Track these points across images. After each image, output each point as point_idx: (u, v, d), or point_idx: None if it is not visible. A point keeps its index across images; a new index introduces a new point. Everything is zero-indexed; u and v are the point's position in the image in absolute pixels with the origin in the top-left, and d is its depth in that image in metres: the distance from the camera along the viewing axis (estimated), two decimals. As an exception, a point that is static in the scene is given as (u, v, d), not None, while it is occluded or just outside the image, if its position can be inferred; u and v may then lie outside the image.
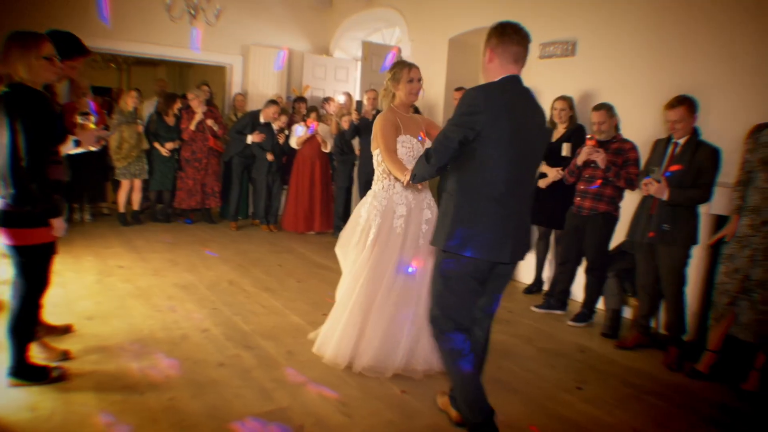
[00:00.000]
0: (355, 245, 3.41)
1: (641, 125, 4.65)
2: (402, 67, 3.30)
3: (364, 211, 3.41)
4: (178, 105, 7.18)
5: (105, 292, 4.44)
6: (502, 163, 2.43)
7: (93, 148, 3.24)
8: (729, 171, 3.76)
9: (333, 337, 3.39)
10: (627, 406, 3.17)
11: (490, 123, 2.38)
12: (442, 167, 2.56)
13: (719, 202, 3.93)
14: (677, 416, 3.12)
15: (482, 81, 2.58)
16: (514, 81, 2.49)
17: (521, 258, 2.62)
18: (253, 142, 7.07)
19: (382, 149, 3.23)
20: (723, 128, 3.99)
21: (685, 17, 4.44)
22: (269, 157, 7.10)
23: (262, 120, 7.19)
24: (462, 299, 2.57)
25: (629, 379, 3.55)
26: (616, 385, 3.44)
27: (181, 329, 3.78)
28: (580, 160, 4.29)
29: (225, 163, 7.50)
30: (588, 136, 4.26)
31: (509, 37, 2.48)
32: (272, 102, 7.29)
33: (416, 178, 2.73)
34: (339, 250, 3.55)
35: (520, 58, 2.50)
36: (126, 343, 3.49)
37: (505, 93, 2.44)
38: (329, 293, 4.28)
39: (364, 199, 3.48)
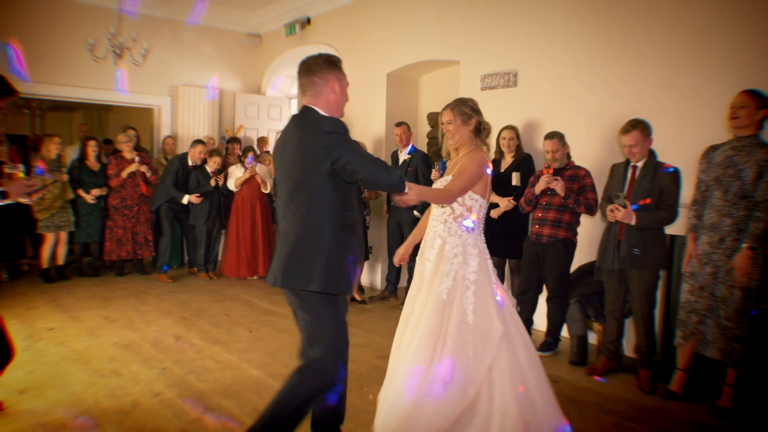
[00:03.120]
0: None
1: (585, 151, 4.74)
2: None
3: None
4: (93, 148, 6.72)
5: (36, 359, 3.97)
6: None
7: (23, 201, 2.89)
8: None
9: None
10: (613, 436, 3.10)
11: None
12: None
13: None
14: (664, 441, 3.07)
15: (330, 112, 2.54)
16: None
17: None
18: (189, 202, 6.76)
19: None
20: (667, 151, 4.09)
21: (623, 45, 4.61)
22: (193, 199, 6.74)
23: (190, 162, 6.87)
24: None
25: (608, 407, 3.50)
26: (597, 415, 3.36)
27: (130, 395, 3.40)
28: (538, 188, 4.30)
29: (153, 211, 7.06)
30: (545, 165, 4.28)
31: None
32: (198, 142, 6.98)
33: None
34: None
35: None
36: (68, 417, 3.08)
37: None
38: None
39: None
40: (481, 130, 3.02)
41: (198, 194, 6.72)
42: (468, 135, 3.00)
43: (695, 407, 3.53)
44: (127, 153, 6.77)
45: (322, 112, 2.49)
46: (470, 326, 2.69)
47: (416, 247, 3.16)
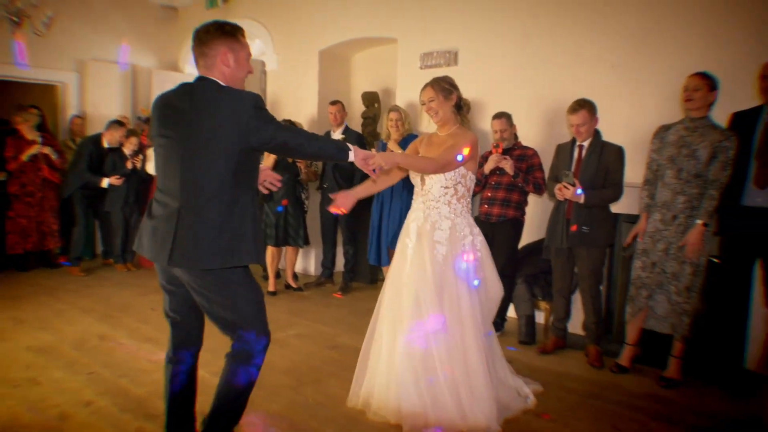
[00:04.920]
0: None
1: (527, 132, 4.72)
2: None
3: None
4: None
5: (-65, 371, 3.44)
6: None
7: None
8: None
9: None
10: (579, 415, 3.09)
11: None
12: None
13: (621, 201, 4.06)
14: (624, 416, 3.09)
15: (229, 83, 2.29)
16: None
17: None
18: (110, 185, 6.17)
19: None
20: (608, 132, 4.12)
21: (564, 25, 4.61)
22: (114, 181, 6.16)
23: (106, 145, 6.28)
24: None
25: (566, 385, 3.50)
26: (559, 394, 3.35)
27: (56, 406, 2.99)
28: (487, 168, 4.23)
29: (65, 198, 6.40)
30: (494, 144, 4.21)
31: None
32: (116, 122, 6.40)
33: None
34: None
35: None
36: (-16, 437, 2.66)
37: None
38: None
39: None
40: (461, 105, 3.06)
41: (118, 176, 6.15)
42: (451, 111, 3.03)
43: (644, 379, 3.61)
44: (28, 134, 6.07)
45: (225, 85, 2.25)
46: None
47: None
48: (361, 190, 3.08)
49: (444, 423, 2.76)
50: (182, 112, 2.21)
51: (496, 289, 3.15)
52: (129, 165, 6.27)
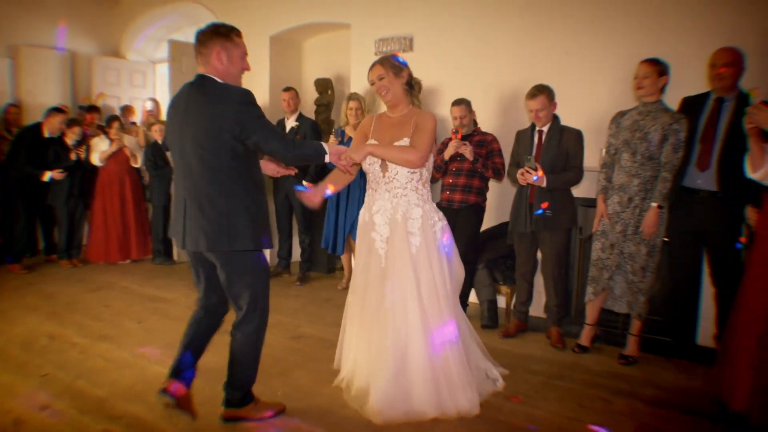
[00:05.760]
0: None
1: (484, 117, 4.75)
2: None
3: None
4: None
5: None
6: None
7: None
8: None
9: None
10: (546, 395, 3.16)
11: None
12: None
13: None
14: (589, 394, 3.18)
15: (225, 79, 2.56)
16: None
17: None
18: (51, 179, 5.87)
19: None
20: (565, 118, 4.19)
21: (519, 12, 4.65)
22: (56, 175, 5.87)
23: (46, 134, 5.96)
24: None
25: (531, 367, 3.57)
26: (525, 377, 3.41)
27: (10, 412, 2.83)
28: (447, 154, 4.24)
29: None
30: (453, 130, 4.22)
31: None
32: (55, 110, 6.06)
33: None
34: None
35: None
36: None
37: None
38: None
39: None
40: (412, 84, 2.94)
41: (60, 169, 5.85)
42: (402, 89, 2.90)
43: (604, 358, 3.73)
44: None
45: (221, 81, 2.51)
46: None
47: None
48: (330, 186, 2.99)
49: (425, 409, 2.76)
50: (180, 109, 2.51)
51: (460, 271, 3.12)
52: (72, 156, 5.97)
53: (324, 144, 2.65)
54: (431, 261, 2.87)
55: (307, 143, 2.77)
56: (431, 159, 2.94)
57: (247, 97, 2.46)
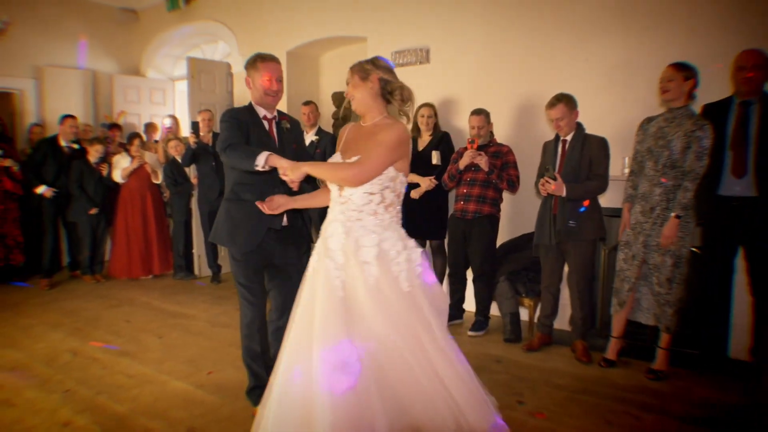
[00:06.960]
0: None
1: (501, 129, 4.70)
2: None
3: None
4: None
5: None
6: None
7: None
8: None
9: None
10: (570, 411, 3.08)
11: None
12: None
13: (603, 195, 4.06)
14: (616, 410, 3.09)
15: (258, 103, 2.94)
16: None
17: None
18: (43, 195, 5.93)
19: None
20: (590, 126, 4.13)
21: (536, 21, 4.60)
22: (47, 193, 5.90)
23: (63, 143, 6.04)
24: None
25: (555, 381, 3.49)
26: (550, 392, 3.33)
27: (32, 429, 2.84)
28: (462, 163, 4.20)
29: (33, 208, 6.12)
30: (469, 140, 4.19)
31: None
32: (67, 116, 6.12)
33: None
34: None
35: None
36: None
37: None
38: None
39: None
40: (390, 91, 2.41)
41: (53, 189, 5.93)
42: (370, 96, 2.41)
43: (632, 372, 3.63)
44: (-11, 145, 5.81)
45: (250, 102, 2.94)
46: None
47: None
48: (300, 202, 2.71)
49: None
50: None
51: (444, 299, 2.52)
52: (102, 171, 6.08)
53: (264, 154, 2.46)
54: (397, 297, 2.29)
55: (247, 149, 2.56)
56: (400, 180, 2.41)
57: (224, 114, 2.84)
